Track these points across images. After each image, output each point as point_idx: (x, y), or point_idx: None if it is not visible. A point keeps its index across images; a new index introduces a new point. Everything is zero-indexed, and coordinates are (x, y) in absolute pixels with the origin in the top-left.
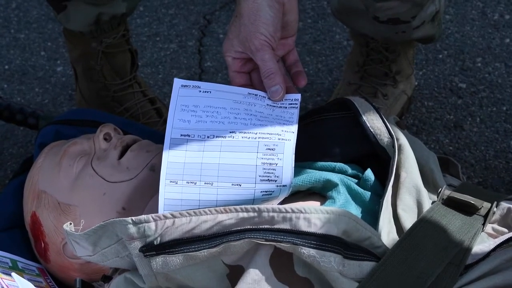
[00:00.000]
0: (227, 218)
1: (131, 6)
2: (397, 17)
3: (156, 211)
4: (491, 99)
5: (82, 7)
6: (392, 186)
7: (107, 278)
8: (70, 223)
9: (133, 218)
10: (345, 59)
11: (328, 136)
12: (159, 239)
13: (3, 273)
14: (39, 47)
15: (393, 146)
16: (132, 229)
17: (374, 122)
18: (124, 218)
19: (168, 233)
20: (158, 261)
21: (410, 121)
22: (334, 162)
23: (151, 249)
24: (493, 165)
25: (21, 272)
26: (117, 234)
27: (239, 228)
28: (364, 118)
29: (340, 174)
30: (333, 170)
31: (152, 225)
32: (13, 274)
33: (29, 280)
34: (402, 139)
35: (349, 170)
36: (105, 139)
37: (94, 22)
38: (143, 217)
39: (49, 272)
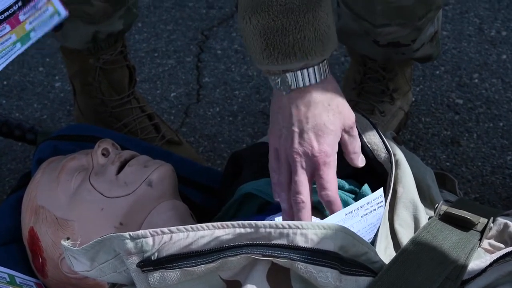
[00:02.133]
0: (224, 233)
1: (128, 23)
2: (398, 41)
3: (154, 226)
4: (488, 115)
5: (79, 26)
6: (389, 202)
7: None
8: (68, 238)
9: (131, 233)
10: (342, 75)
11: None
12: (156, 254)
13: None
14: (38, 62)
15: (390, 162)
16: (130, 244)
17: (371, 138)
18: (121, 233)
19: (166, 249)
20: (155, 276)
21: (407, 136)
22: None
23: (149, 264)
24: (490, 181)
25: (19, 287)
26: (114, 249)
27: (236, 244)
28: (361, 133)
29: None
30: None
31: (150, 240)
32: None
33: None
34: (399, 154)
35: (346, 186)
36: (103, 154)
37: (91, 40)
38: (140, 232)
39: (46, 287)
